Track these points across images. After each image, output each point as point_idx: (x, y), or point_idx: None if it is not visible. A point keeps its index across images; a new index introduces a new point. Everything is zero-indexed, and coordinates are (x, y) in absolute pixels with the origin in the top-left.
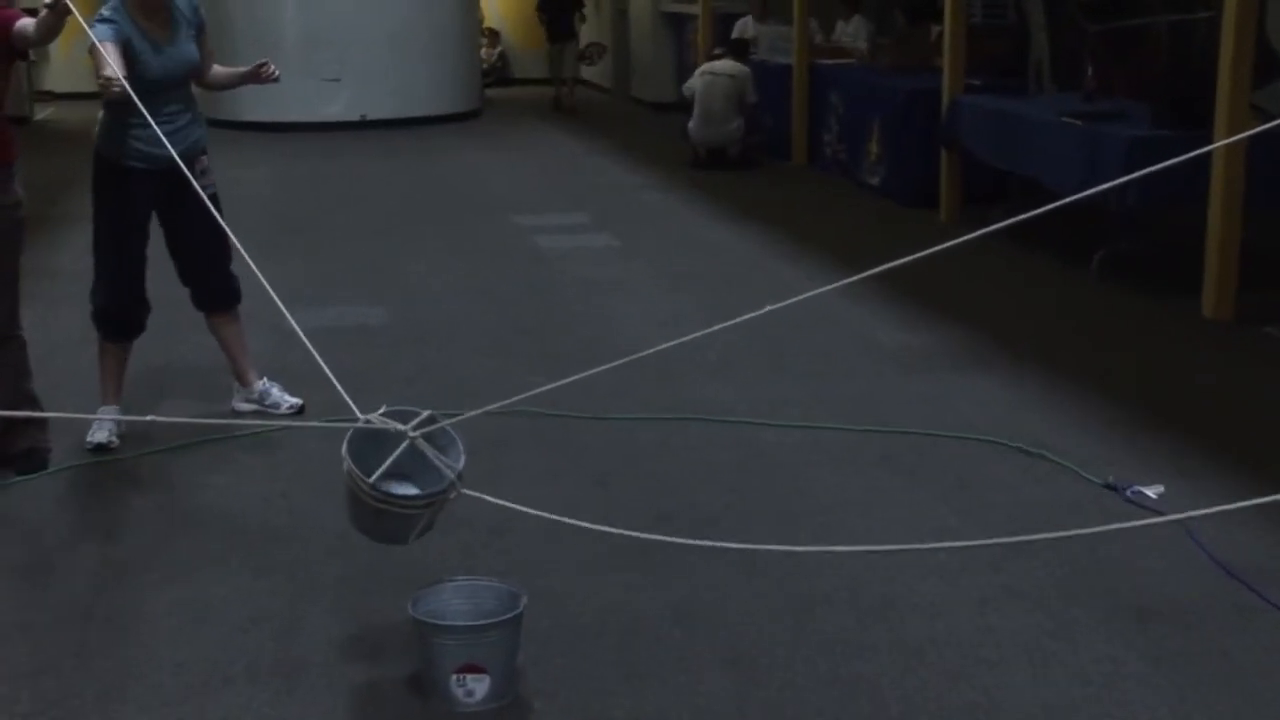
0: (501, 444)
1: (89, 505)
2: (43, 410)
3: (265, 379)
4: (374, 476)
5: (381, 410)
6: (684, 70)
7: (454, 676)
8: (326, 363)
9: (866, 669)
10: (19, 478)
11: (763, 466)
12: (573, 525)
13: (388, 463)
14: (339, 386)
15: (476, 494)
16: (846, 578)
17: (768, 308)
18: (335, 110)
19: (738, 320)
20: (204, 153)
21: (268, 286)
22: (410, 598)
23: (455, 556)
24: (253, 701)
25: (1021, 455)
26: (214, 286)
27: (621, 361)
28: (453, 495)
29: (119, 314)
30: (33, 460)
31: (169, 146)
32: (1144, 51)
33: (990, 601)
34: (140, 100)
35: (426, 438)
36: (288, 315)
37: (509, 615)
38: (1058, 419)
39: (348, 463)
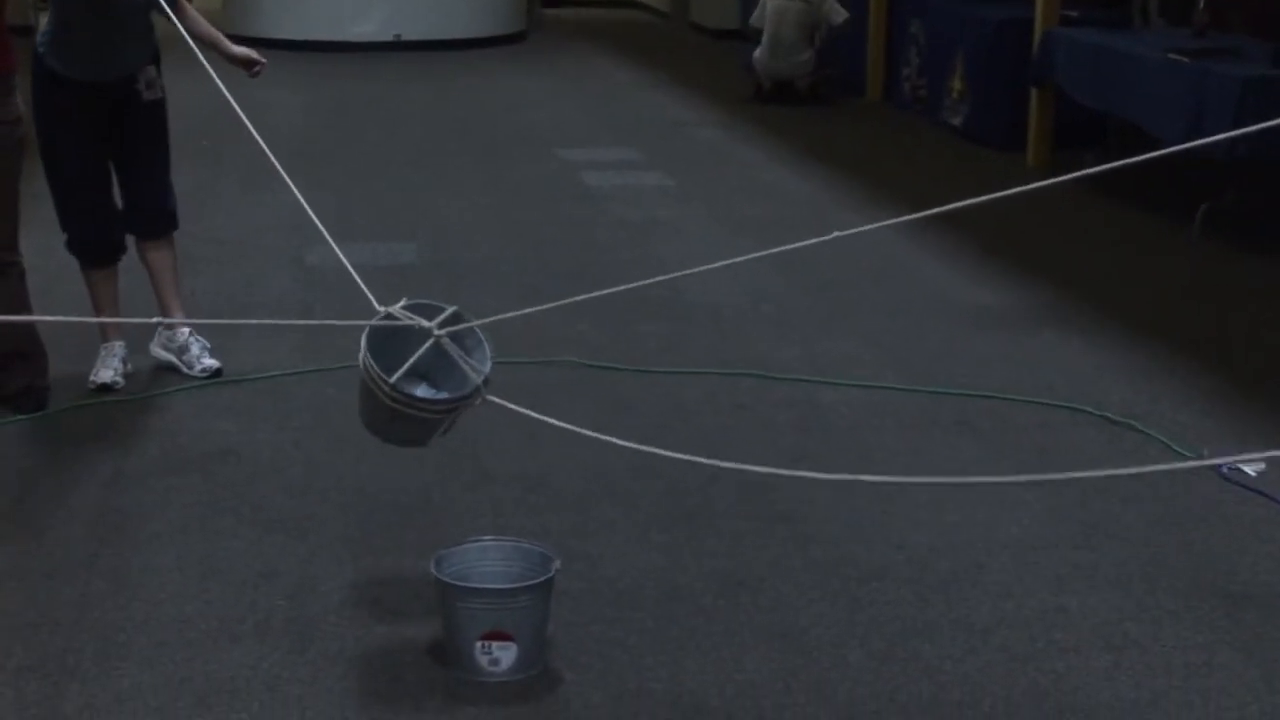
0: (539, 395)
1: (90, 449)
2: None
3: (190, 329)
4: (395, 376)
5: (402, 303)
6: None
7: (479, 643)
8: (349, 305)
9: (926, 649)
10: (16, 418)
11: (823, 428)
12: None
13: (410, 361)
14: (359, 280)
15: (502, 401)
16: (909, 551)
17: (835, 234)
18: (367, 29)
19: (785, 249)
20: (151, 63)
21: (309, 210)
22: (433, 557)
23: (483, 514)
24: (262, 662)
25: (1108, 424)
26: (149, 204)
27: (623, 289)
28: (478, 401)
29: (92, 237)
30: (31, 399)
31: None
32: None
33: (1066, 581)
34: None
35: (452, 337)
36: (330, 241)
37: (540, 579)
38: (1149, 387)
39: (365, 357)
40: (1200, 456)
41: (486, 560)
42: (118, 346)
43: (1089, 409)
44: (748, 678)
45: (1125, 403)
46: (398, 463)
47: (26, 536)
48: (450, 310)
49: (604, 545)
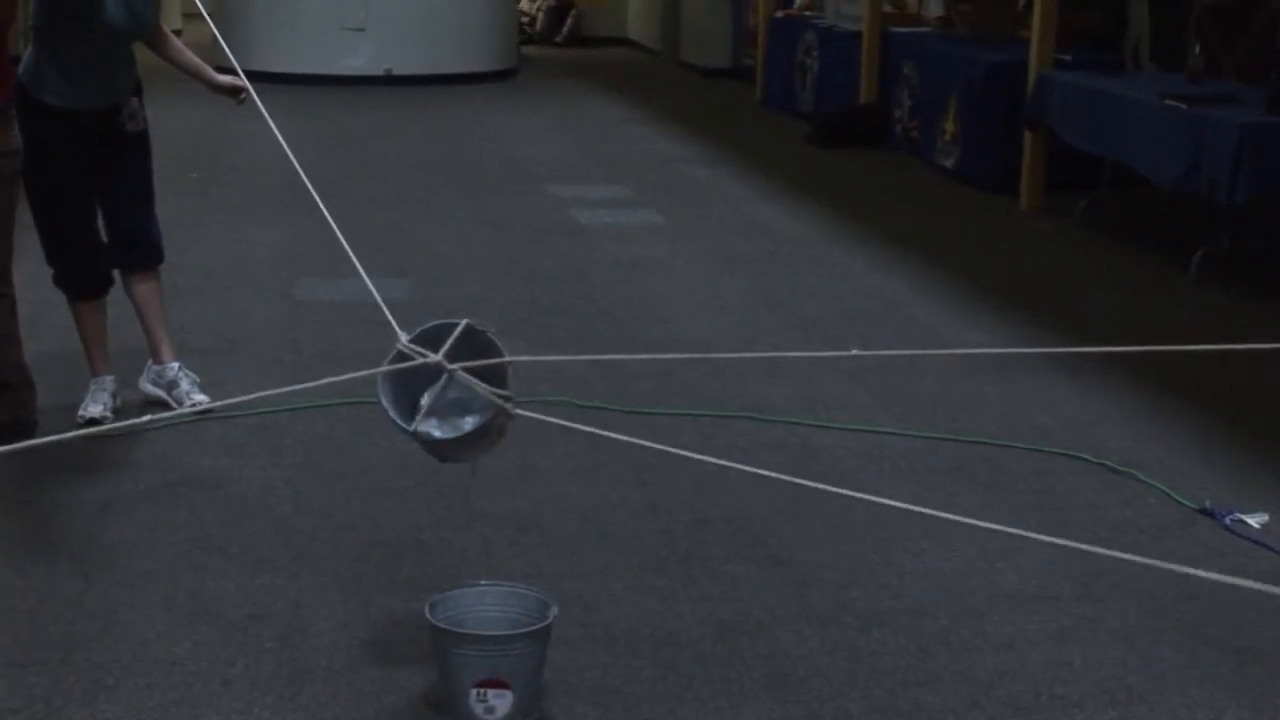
0: (531, 436)
1: (77, 484)
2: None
3: (179, 364)
4: (414, 424)
5: (412, 336)
6: (741, 31)
7: (474, 691)
8: (338, 340)
9: (929, 701)
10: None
11: (818, 473)
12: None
13: (425, 406)
14: (380, 300)
15: (527, 413)
16: (908, 599)
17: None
18: (357, 63)
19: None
20: (134, 94)
21: (344, 242)
22: (427, 601)
23: (476, 555)
24: (253, 706)
25: (1107, 473)
26: (133, 236)
27: None
28: (503, 421)
29: (79, 270)
30: (17, 433)
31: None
32: (1258, 28)
33: (1069, 633)
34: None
35: (466, 340)
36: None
37: (537, 626)
38: (1148, 434)
39: (386, 412)
40: (1203, 507)
41: (483, 605)
42: (107, 381)
43: (1087, 456)
44: None
45: (1123, 450)
46: (389, 501)
47: (11, 573)
48: (460, 327)
49: (599, 589)
